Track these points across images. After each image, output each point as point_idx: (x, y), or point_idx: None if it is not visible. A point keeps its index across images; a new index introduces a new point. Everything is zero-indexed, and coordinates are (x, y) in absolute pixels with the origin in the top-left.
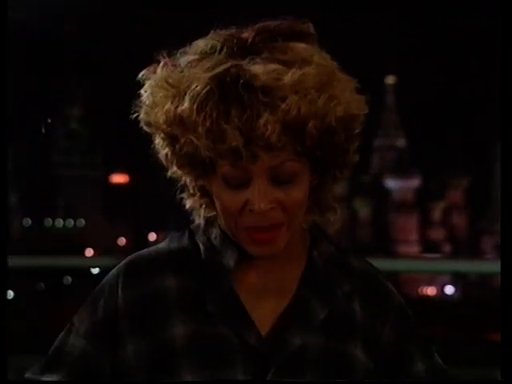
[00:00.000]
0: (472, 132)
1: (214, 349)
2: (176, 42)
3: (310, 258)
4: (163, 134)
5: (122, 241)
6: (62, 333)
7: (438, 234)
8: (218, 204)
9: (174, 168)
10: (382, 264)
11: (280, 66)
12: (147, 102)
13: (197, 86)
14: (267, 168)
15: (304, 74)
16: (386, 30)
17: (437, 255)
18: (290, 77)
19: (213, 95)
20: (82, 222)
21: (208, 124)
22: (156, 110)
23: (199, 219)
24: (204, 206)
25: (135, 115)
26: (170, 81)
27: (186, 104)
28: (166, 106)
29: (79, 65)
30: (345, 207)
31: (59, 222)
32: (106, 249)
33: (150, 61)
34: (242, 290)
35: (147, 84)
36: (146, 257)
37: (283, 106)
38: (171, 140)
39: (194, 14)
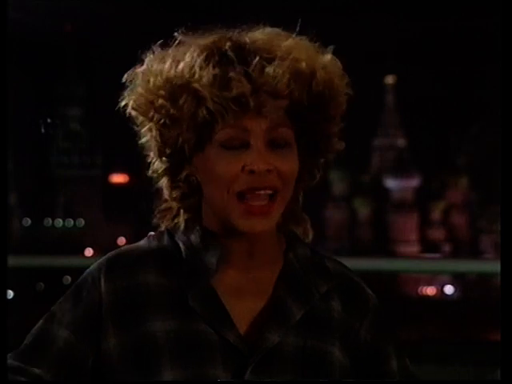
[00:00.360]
0: (472, 131)
1: (194, 345)
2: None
3: (285, 260)
4: (162, 100)
5: (121, 240)
6: (41, 322)
7: (437, 233)
8: (212, 180)
9: (157, 161)
10: (381, 264)
11: (279, 31)
12: (138, 78)
13: (195, 51)
14: (266, 131)
15: (302, 39)
16: (385, 29)
17: (437, 255)
18: (290, 39)
19: (213, 57)
20: (81, 221)
21: (212, 72)
22: (153, 76)
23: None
24: (182, 209)
25: (123, 104)
26: (164, 55)
27: (188, 60)
28: (166, 66)
29: (79, 65)
30: (344, 207)
31: (59, 222)
32: (105, 249)
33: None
34: (220, 289)
35: (137, 72)
36: (128, 253)
37: (292, 56)
38: (171, 103)
39: (194, 14)
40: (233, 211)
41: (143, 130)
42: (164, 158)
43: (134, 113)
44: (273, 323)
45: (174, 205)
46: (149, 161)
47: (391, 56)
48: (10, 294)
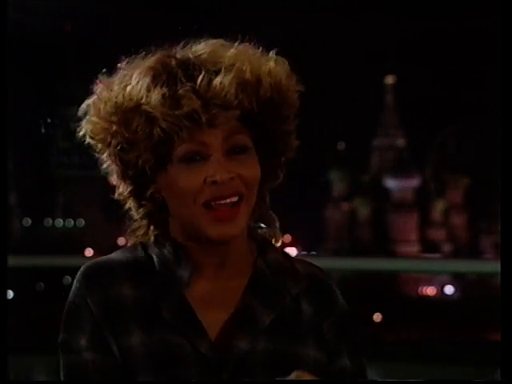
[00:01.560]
0: (472, 132)
1: (168, 355)
2: (177, 41)
3: (255, 267)
4: (115, 126)
5: (121, 240)
6: (64, 361)
7: (437, 233)
8: (176, 195)
9: (121, 184)
10: (381, 264)
11: (222, 41)
12: (91, 108)
13: (140, 73)
14: (223, 140)
15: (245, 46)
16: (385, 29)
17: (437, 255)
18: (234, 49)
19: (160, 77)
20: (81, 221)
21: (161, 91)
22: (103, 104)
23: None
24: (152, 226)
25: (81, 136)
26: (111, 82)
27: (134, 83)
28: (114, 92)
29: (79, 65)
30: (344, 207)
31: (59, 222)
32: (105, 249)
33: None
34: (193, 300)
35: (88, 103)
36: (102, 265)
37: (236, 66)
38: (125, 127)
39: (194, 14)
40: (201, 221)
41: (103, 157)
42: (128, 181)
43: (91, 141)
44: (240, 331)
45: (144, 223)
46: (113, 184)
47: (391, 56)
48: (10, 293)
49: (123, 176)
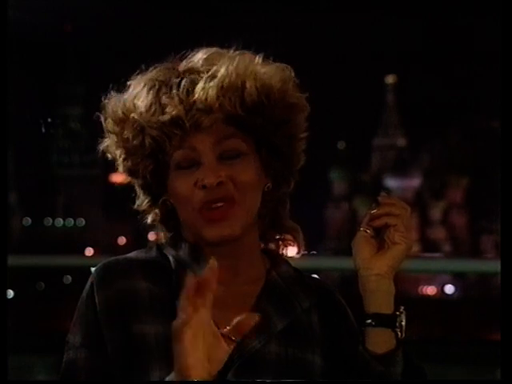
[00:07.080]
0: (472, 131)
1: None
2: (175, 41)
3: (268, 277)
4: (116, 138)
5: (122, 240)
6: (64, 356)
7: (438, 233)
8: (176, 201)
9: (141, 195)
10: None
11: (217, 49)
12: (105, 124)
13: (137, 86)
14: (213, 145)
15: (241, 53)
16: (385, 29)
17: (437, 254)
18: (226, 56)
19: (153, 86)
20: (82, 221)
21: (147, 100)
22: (107, 118)
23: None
24: (166, 230)
25: (101, 149)
26: (114, 97)
27: (129, 93)
28: (114, 104)
29: (79, 65)
30: (345, 207)
31: (59, 222)
32: (106, 248)
33: (149, 60)
34: None
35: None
36: (117, 262)
37: (222, 71)
38: (121, 137)
39: (194, 13)
40: (198, 224)
41: (120, 170)
42: (141, 191)
43: (108, 155)
44: (254, 330)
45: (161, 228)
46: (134, 195)
47: (391, 56)
48: (11, 293)
49: (140, 186)
